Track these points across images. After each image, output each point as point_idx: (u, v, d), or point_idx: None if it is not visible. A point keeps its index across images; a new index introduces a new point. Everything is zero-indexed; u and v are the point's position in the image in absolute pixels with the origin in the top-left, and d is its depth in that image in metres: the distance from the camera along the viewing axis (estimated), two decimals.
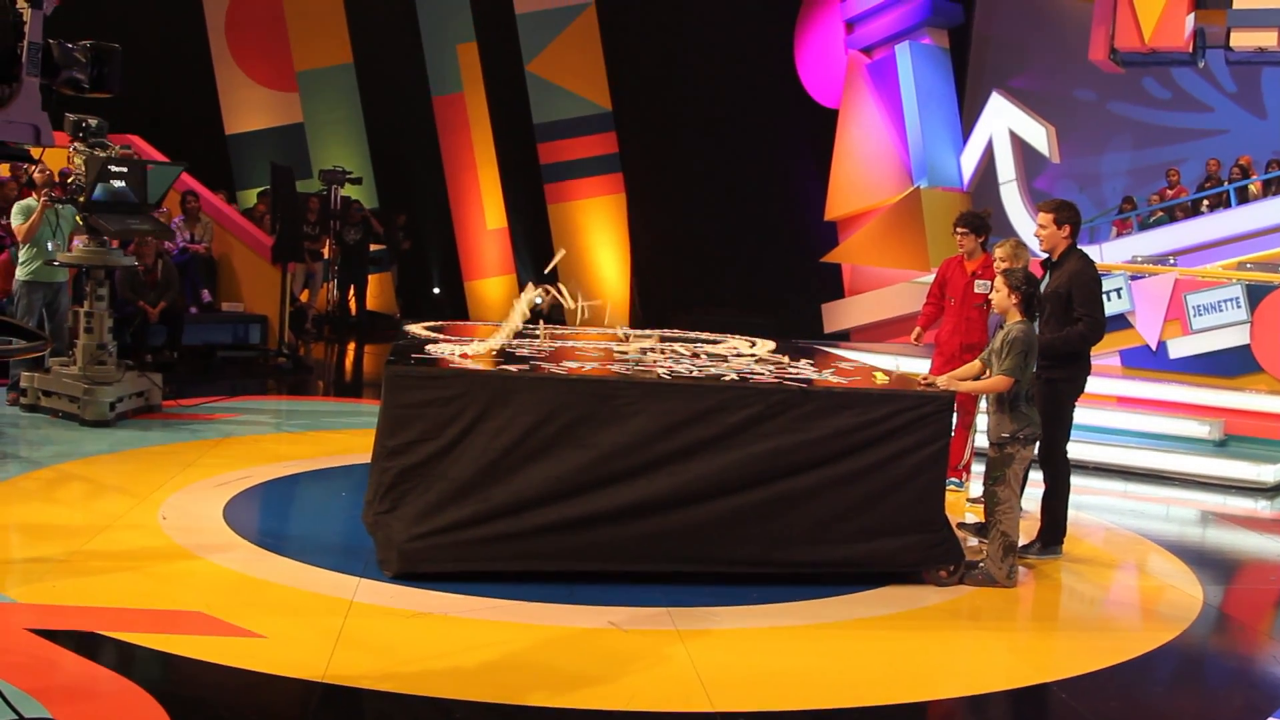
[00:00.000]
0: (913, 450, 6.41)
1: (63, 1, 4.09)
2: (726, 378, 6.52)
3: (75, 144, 9.65)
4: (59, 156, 10.84)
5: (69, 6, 4.57)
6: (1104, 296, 7.49)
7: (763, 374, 6.77)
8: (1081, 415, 10.13)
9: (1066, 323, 7.22)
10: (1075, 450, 8.83)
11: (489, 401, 6.12)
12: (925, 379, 7.02)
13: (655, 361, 7.03)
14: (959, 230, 9.03)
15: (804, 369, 7.19)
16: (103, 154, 9.63)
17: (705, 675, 5.04)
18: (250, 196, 18.56)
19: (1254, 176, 16.61)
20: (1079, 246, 7.58)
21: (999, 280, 6.91)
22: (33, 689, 4.36)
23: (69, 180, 9.87)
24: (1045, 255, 7.58)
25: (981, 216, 9.14)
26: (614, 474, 6.17)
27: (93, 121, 9.58)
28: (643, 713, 4.69)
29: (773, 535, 6.33)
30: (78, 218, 10.01)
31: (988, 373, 6.79)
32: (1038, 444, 6.88)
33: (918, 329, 9.32)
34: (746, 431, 6.26)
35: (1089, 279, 7.33)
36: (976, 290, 8.70)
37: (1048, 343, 6.96)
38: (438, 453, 6.11)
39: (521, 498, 6.09)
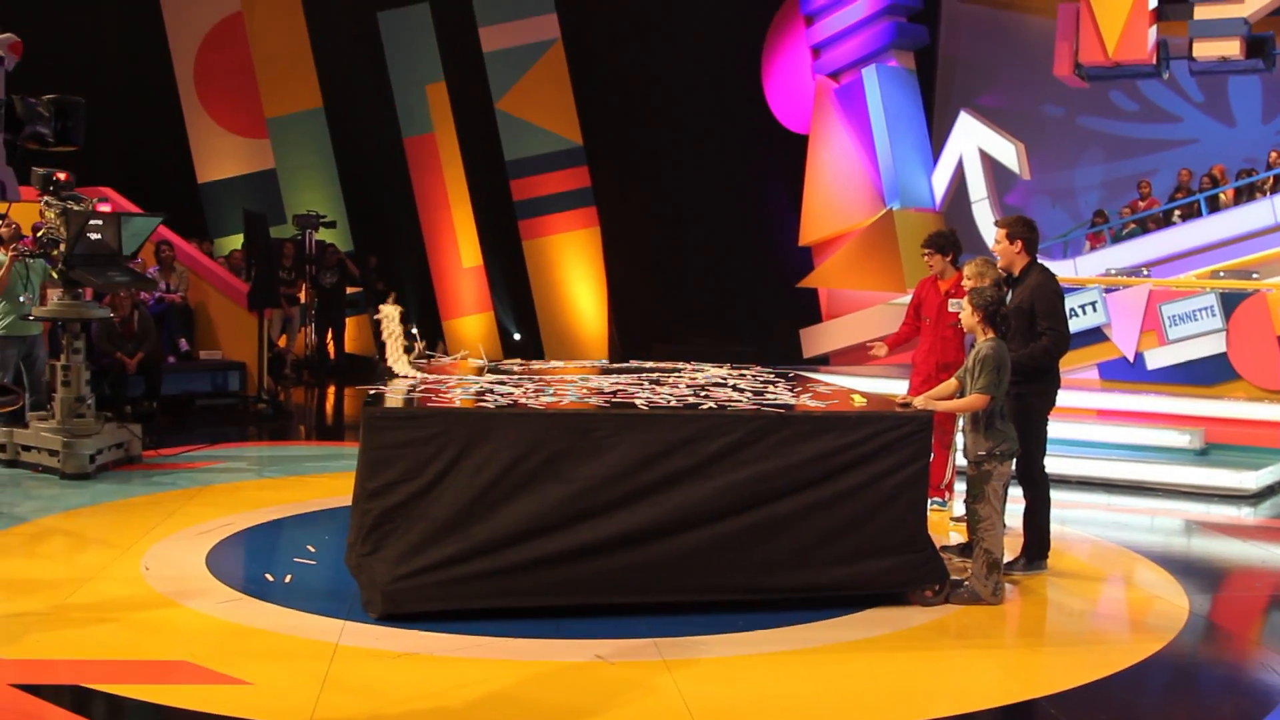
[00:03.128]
0: (893, 471, 6.43)
1: (24, 56, 4.09)
2: (704, 406, 6.53)
3: (45, 198, 9.63)
4: (26, 210, 10.84)
5: (34, 58, 4.59)
6: (1068, 309, 7.51)
7: (741, 401, 6.78)
8: (1062, 429, 10.22)
9: (1031, 338, 7.24)
10: (1057, 465, 8.88)
11: (468, 439, 6.12)
12: (902, 399, 7.04)
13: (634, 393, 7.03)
14: (925, 251, 9.07)
15: (782, 394, 7.21)
16: (78, 207, 9.61)
17: (693, 705, 5.03)
18: (226, 244, 18.56)
19: (1224, 185, 16.72)
20: (1040, 261, 7.62)
21: (965, 299, 6.95)
22: None
23: (38, 234, 9.84)
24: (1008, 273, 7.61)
25: (947, 235, 9.16)
26: (596, 507, 6.17)
27: (61, 175, 9.56)
28: None
29: (757, 562, 6.33)
30: (52, 271, 9.99)
31: (964, 392, 6.82)
32: (1015, 460, 6.90)
33: (883, 345, 9.28)
34: (727, 459, 6.27)
35: (1050, 292, 7.36)
36: (950, 309, 8.73)
37: (1015, 360, 6.98)
38: (418, 492, 6.10)
39: (504, 534, 6.08)
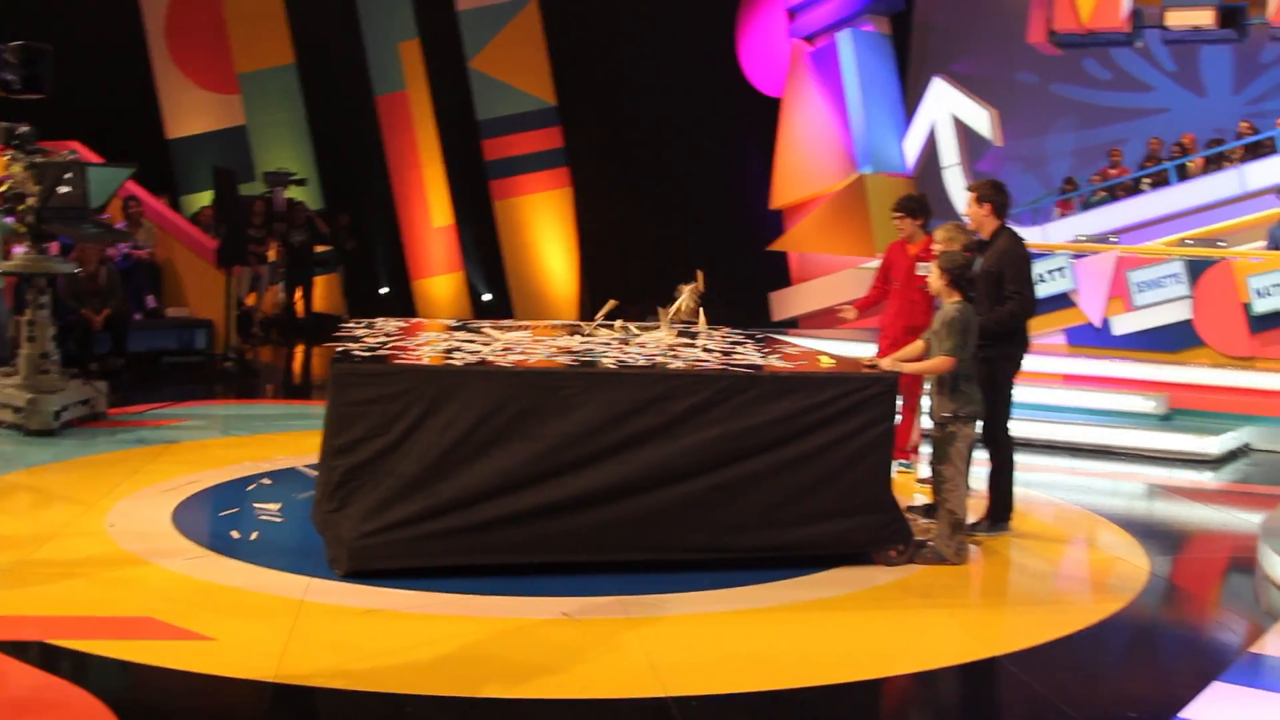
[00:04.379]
0: (859, 432, 6.46)
1: None
2: (673, 365, 6.54)
3: (9, 151, 9.52)
4: None
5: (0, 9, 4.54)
6: (1036, 274, 7.55)
7: (709, 361, 6.80)
8: (1028, 394, 10.27)
9: (998, 302, 7.27)
10: (1023, 429, 8.96)
11: (435, 397, 6.11)
12: (869, 361, 7.08)
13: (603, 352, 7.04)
14: (895, 215, 9.10)
15: (750, 354, 7.23)
16: (42, 160, 9.51)
17: (658, 661, 5.06)
18: (194, 201, 18.41)
19: (1194, 154, 16.79)
20: (1010, 227, 7.65)
21: (934, 263, 6.99)
22: None
23: (1, 189, 9.72)
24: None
25: (918, 199, 9.20)
26: (563, 465, 6.18)
27: (25, 128, 9.45)
28: (596, 700, 4.71)
29: (723, 521, 6.36)
30: (17, 225, 9.89)
31: (931, 355, 6.85)
32: (980, 423, 6.94)
33: (851, 308, 9.30)
34: (694, 418, 6.29)
35: (1018, 257, 7.40)
36: (918, 273, 8.75)
37: (982, 323, 7.01)
38: (385, 449, 6.10)
39: (470, 492, 6.09)
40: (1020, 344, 7.44)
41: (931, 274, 6.96)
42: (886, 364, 6.87)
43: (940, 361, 6.71)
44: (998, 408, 7.32)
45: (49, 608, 5.51)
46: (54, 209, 9.65)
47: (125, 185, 13.60)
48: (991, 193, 7.53)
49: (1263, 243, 13.29)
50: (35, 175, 9.49)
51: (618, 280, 19.37)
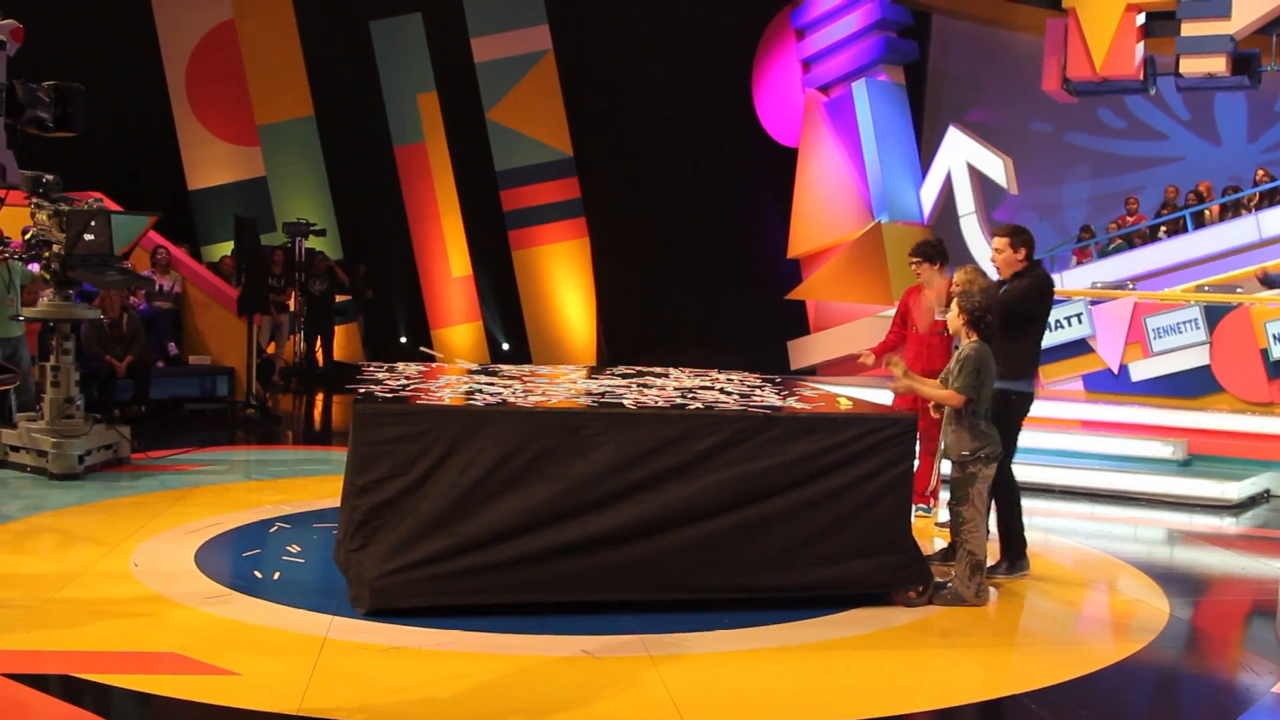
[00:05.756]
0: (878, 472, 6.49)
1: (24, 44, 4.14)
2: (692, 406, 6.58)
3: (34, 199, 9.65)
4: (12, 215, 10.86)
5: (25, 60, 4.64)
6: (1054, 320, 7.63)
7: (728, 402, 6.83)
8: (1047, 439, 10.30)
9: (1015, 334, 7.31)
10: (1042, 474, 8.99)
11: (456, 436, 6.16)
12: (890, 360, 7.15)
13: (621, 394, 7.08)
14: (913, 260, 9.16)
15: (769, 396, 7.26)
16: (68, 208, 9.65)
17: (678, 698, 5.07)
18: (214, 251, 18.58)
19: (1210, 201, 16.84)
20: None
21: (954, 303, 7.03)
22: None
23: (27, 236, 9.86)
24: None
25: (935, 245, 9.27)
26: (583, 505, 6.21)
27: (50, 176, 9.59)
28: None
29: (742, 561, 6.37)
30: (42, 273, 10.02)
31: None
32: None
33: (870, 352, 9.32)
34: (713, 458, 6.32)
35: (1044, 280, 7.61)
36: (936, 318, 8.79)
37: (1002, 300, 7.17)
38: (407, 489, 6.13)
39: (491, 531, 6.12)
40: (1030, 384, 7.49)
41: (952, 313, 7.00)
42: (899, 372, 6.93)
43: (950, 395, 6.74)
44: (1005, 447, 7.33)
45: (73, 644, 5.53)
46: (79, 256, 9.78)
47: (151, 236, 13.80)
48: (1027, 239, 7.66)
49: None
50: (61, 223, 9.62)
51: (635, 329, 19.51)
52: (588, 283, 20.10)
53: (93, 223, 9.89)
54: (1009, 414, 7.33)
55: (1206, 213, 16.72)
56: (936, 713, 5.23)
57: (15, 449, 9.73)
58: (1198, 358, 11.90)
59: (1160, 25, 15.03)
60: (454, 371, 8.31)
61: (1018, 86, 18.41)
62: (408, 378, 7.59)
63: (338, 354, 18.60)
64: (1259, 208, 15.98)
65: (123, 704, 4.86)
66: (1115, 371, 12.25)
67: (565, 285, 20.06)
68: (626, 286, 19.81)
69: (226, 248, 17.66)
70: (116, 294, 12.48)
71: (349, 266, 19.34)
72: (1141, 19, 14.85)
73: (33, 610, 6.00)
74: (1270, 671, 5.92)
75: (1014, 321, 7.32)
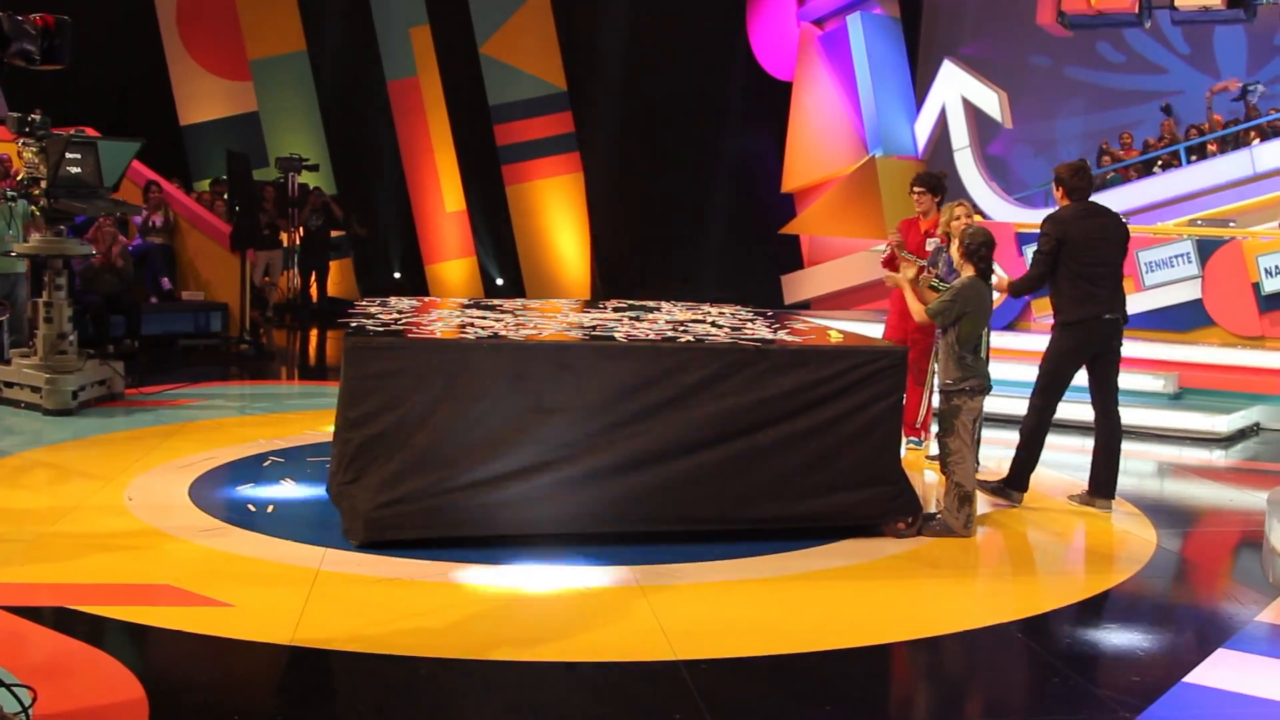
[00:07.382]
0: (868, 405, 6.52)
1: None
2: (683, 339, 6.60)
3: (23, 140, 9.59)
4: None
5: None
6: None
7: (719, 335, 6.85)
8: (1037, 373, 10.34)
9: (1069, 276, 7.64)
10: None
11: (448, 370, 6.18)
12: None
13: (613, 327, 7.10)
14: (915, 190, 9.16)
15: (760, 330, 7.28)
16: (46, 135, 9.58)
17: (668, 626, 5.13)
18: (204, 186, 18.51)
19: (1207, 134, 16.76)
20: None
21: (956, 240, 7.10)
22: (8, 664, 4.40)
23: (19, 177, 9.82)
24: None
25: (938, 177, 9.29)
26: (574, 438, 6.24)
27: (37, 115, 9.52)
28: (606, 663, 4.77)
29: (733, 493, 6.42)
30: (34, 209, 10.00)
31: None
32: (986, 396, 6.98)
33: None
34: (704, 391, 6.34)
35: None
36: (928, 248, 8.81)
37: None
38: (399, 422, 6.16)
39: (483, 464, 6.15)
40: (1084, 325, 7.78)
41: (954, 246, 7.08)
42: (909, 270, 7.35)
43: (920, 308, 6.89)
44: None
45: (68, 577, 5.58)
46: (66, 186, 9.73)
47: (143, 172, 13.72)
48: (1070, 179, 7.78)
49: (1275, 223, 13.30)
50: (44, 157, 9.57)
51: (628, 263, 19.49)
52: (581, 217, 20.05)
53: (78, 155, 9.82)
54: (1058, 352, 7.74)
55: (1206, 146, 16.64)
56: (924, 641, 5.28)
57: (9, 385, 9.75)
58: (1189, 292, 11.92)
59: None
60: (447, 305, 8.31)
61: (1014, 20, 18.26)
62: (400, 312, 7.61)
63: (332, 290, 18.60)
64: (1253, 142, 15.89)
65: (118, 635, 4.91)
66: None
67: (559, 220, 20.02)
68: (620, 221, 19.77)
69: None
70: (108, 230, 12.46)
71: (344, 201, 19.29)
72: None
73: (28, 544, 6.04)
74: (1254, 601, 5.99)
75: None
